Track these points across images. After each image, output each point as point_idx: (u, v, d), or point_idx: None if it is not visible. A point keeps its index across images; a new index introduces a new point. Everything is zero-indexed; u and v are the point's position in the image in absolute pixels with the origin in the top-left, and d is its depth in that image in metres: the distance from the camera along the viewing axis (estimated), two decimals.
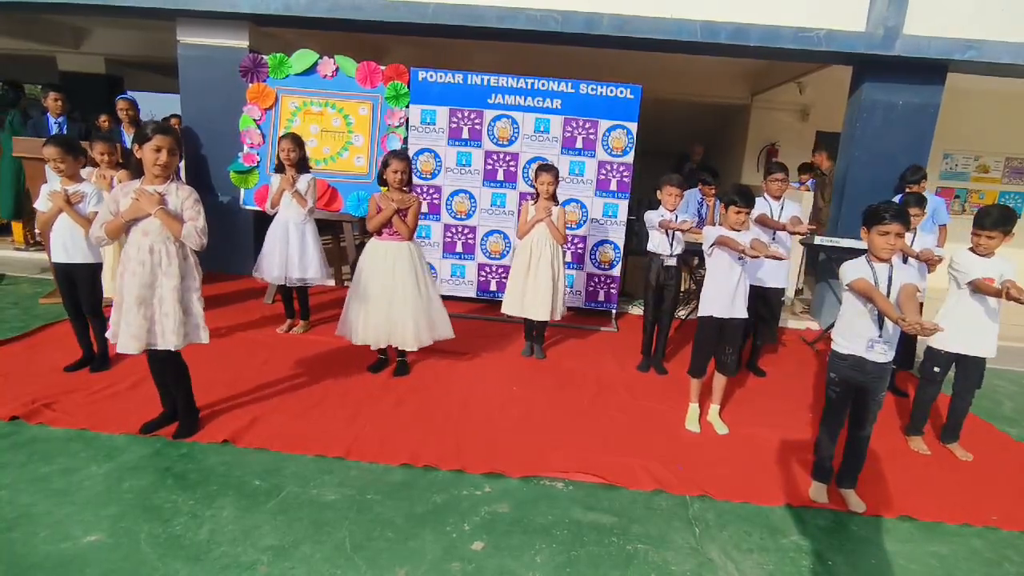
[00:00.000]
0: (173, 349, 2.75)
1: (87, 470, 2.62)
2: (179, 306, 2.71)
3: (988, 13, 5.07)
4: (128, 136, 5.84)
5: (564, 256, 4.33)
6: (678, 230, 3.99)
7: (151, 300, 2.69)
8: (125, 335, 2.68)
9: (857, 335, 2.65)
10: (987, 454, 3.41)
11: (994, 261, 3.17)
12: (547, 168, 4.16)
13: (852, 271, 2.64)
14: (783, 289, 4.48)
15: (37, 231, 6.15)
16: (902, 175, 5.14)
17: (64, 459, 2.69)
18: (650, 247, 4.19)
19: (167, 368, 2.90)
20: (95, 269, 3.57)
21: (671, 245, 4.09)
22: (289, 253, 4.24)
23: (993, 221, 3.11)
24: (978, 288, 3.14)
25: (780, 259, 3.28)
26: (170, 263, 2.68)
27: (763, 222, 4.12)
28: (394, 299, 3.65)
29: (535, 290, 4.18)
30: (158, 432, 2.95)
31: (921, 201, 3.90)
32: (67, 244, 3.46)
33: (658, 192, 4.10)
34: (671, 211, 4.05)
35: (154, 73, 10.23)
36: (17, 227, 6.57)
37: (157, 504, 2.43)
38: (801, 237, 4.92)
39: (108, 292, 3.88)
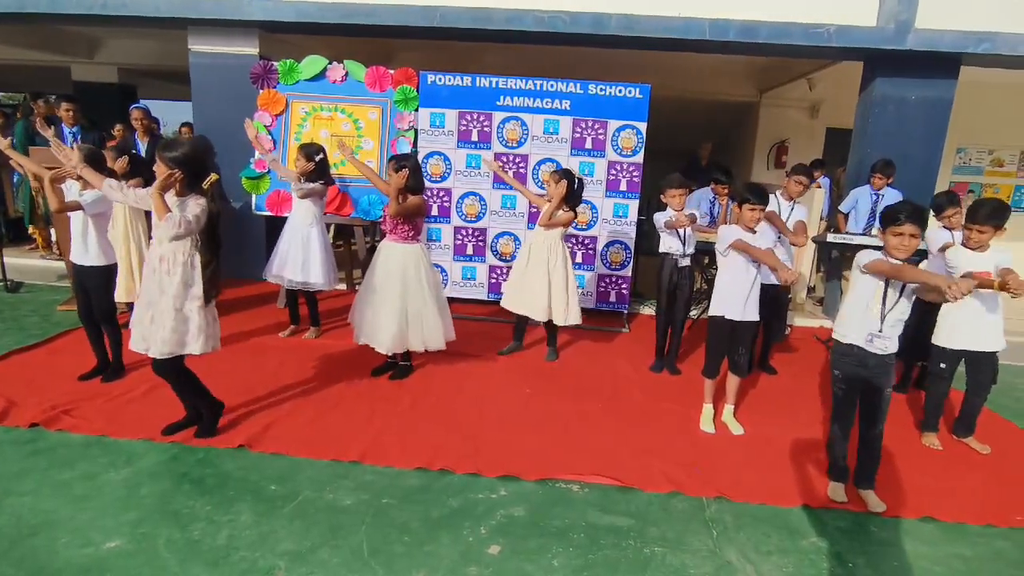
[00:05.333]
0: (158, 357, 2.77)
1: (106, 476, 2.65)
2: (177, 315, 2.73)
3: (1002, 4, 5.00)
4: (143, 145, 5.91)
5: (568, 260, 4.22)
6: (684, 226, 3.97)
7: (157, 305, 2.74)
8: (135, 332, 2.79)
9: (858, 325, 2.64)
10: (1009, 453, 3.36)
11: (988, 255, 3.15)
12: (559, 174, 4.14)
13: (869, 256, 2.61)
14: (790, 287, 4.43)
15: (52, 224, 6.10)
16: (872, 166, 5.20)
17: (84, 465, 2.72)
18: (662, 248, 4.17)
19: (168, 376, 2.90)
20: (107, 273, 3.56)
21: (683, 245, 4.08)
22: (292, 255, 4.27)
23: (987, 214, 3.10)
24: None
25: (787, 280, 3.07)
26: (175, 271, 2.72)
27: (771, 220, 4.07)
28: (371, 298, 3.67)
29: (532, 289, 4.15)
30: (178, 436, 2.98)
31: (955, 200, 3.85)
32: (80, 245, 3.48)
33: (662, 196, 4.09)
34: (678, 211, 4.03)
35: (166, 81, 10.34)
36: (41, 237, 6.61)
37: (175, 509, 2.45)
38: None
39: (120, 298, 3.92)
